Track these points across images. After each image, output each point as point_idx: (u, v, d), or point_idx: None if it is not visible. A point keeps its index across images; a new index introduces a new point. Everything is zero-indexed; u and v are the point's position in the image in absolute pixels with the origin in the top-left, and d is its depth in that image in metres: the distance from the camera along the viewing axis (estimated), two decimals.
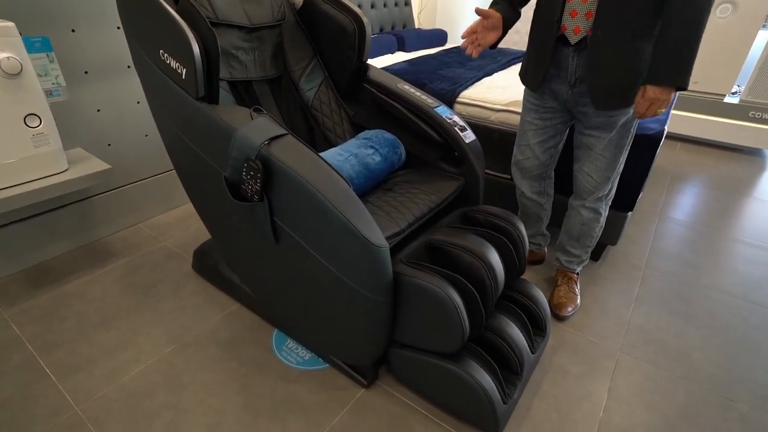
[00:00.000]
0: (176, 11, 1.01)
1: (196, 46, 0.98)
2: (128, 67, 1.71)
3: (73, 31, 1.53)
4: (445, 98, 1.87)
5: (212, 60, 1.02)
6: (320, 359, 1.30)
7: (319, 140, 1.49)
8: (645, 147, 1.47)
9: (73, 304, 1.48)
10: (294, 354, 1.32)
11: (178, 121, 1.13)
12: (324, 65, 1.51)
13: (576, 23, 1.15)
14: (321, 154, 1.28)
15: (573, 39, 1.17)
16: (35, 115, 1.33)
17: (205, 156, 1.08)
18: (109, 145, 1.75)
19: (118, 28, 1.64)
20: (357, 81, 1.49)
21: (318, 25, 1.45)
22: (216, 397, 1.17)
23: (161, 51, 1.06)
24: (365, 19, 1.41)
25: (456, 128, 1.33)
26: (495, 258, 1.10)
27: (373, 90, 1.42)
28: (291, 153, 0.95)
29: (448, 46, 3.06)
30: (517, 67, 2.37)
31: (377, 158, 1.33)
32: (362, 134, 1.41)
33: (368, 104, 1.54)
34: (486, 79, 2.07)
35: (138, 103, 1.79)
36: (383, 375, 1.26)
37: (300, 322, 1.24)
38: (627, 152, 1.29)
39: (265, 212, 0.98)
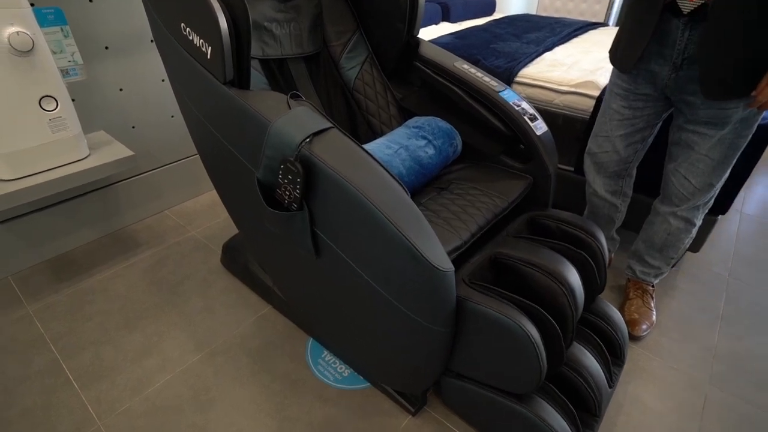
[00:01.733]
0: None
1: (223, 19, 0.80)
2: (152, 41, 1.56)
3: (90, 0, 1.37)
4: (501, 77, 1.63)
5: (242, 36, 0.84)
6: (361, 376, 1.16)
7: (361, 127, 1.31)
8: (755, 140, 1.22)
9: (97, 300, 1.39)
10: (331, 369, 1.19)
11: (202, 107, 0.97)
12: (368, 40, 1.31)
13: None
14: (366, 145, 1.11)
15: (687, 7, 0.93)
16: (51, 97, 1.20)
17: (233, 150, 0.92)
18: (133, 127, 1.62)
19: None
20: (406, 58, 1.29)
21: None
22: (247, 419, 1.06)
23: (182, 25, 0.89)
24: None
25: (525, 117, 1.12)
26: (576, 280, 0.91)
27: (426, 69, 1.22)
28: (337, 152, 0.78)
29: (497, 15, 2.77)
30: (579, 41, 2.09)
31: (430, 151, 1.14)
32: (412, 122, 1.22)
33: (418, 86, 1.34)
34: (547, 55, 1.81)
35: (163, 81, 1.64)
36: (432, 398, 1.11)
37: (339, 339, 1.10)
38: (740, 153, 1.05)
39: (304, 223, 0.82)
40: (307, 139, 0.77)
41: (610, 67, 1.65)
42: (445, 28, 2.33)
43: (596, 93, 1.48)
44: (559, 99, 1.56)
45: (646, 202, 1.36)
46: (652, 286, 1.38)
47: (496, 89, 1.15)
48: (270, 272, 1.24)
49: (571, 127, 1.54)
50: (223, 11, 0.81)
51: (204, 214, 1.82)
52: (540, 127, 1.13)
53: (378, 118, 1.30)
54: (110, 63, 1.48)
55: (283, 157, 0.78)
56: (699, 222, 1.19)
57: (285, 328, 1.30)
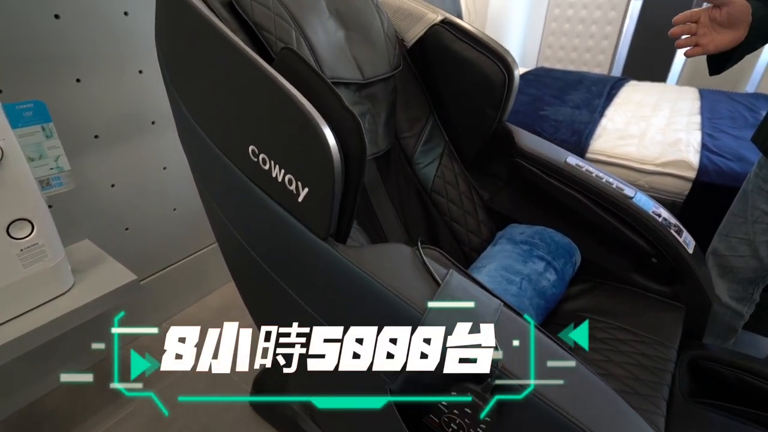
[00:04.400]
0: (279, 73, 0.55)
1: (335, 149, 0.52)
2: (152, 123, 1.24)
3: (78, 81, 1.05)
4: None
5: (352, 173, 0.55)
6: None
7: (443, 235, 1.04)
8: None
9: None
10: None
11: (278, 262, 0.66)
12: (443, 126, 1.06)
13: None
14: (481, 276, 0.83)
15: None
16: (25, 220, 0.86)
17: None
18: (126, 229, 1.27)
19: (141, 72, 1.17)
20: (495, 150, 1.04)
21: (445, 72, 0.99)
22: None
23: (252, 149, 0.59)
24: (515, 63, 0.96)
25: (671, 230, 0.89)
26: None
27: (533, 168, 0.97)
28: (525, 352, 0.50)
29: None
30: (621, 102, 1.93)
31: (552, 277, 0.88)
32: (516, 233, 0.96)
33: (504, 180, 1.08)
34: (605, 123, 1.63)
35: (165, 169, 1.31)
36: None
37: None
38: None
39: None
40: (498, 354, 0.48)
41: (689, 138, 1.48)
42: None
43: (692, 174, 1.29)
44: (644, 180, 1.35)
45: None
46: None
47: (628, 195, 0.91)
48: None
49: None
50: (334, 137, 0.52)
51: (213, 324, 1.46)
52: (689, 242, 0.90)
53: (464, 225, 1.03)
54: (101, 154, 1.15)
55: (451, 378, 0.48)
56: None
57: None
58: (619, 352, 0.79)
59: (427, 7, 1.02)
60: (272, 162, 0.58)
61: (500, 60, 0.94)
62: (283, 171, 0.57)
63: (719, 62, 0.81)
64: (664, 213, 0.91)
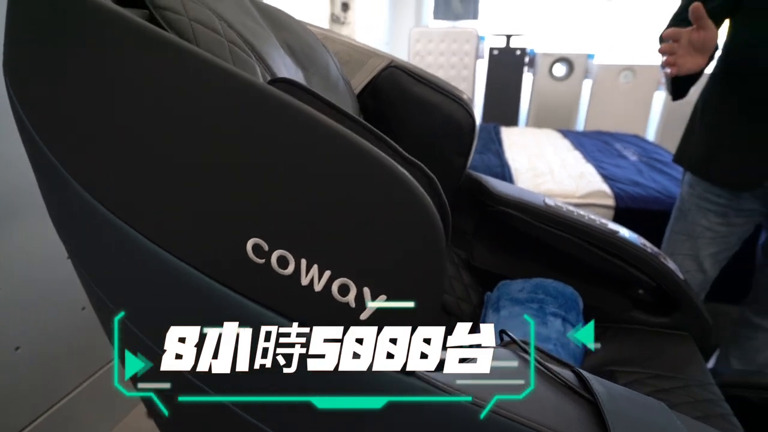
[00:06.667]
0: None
1: (440, 223, 0.32)
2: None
3: None
4: None
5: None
6: None
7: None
8: None
9: None
10: None
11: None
12: None
13: None
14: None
15: None
16: None
17: None
18: (17, 349, 0.78)
19: None
20: (460, 200, 0.93)
21: (405, 119, 0.86)
22: None
23: (256, 242, 0.34)
24: (473, 104, 0.88)
25: (662, 259, 0.87)
26: None
27: (520, 215, 0.87)
28: None
29: None
30: (508, 144, 2.07)
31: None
32: (515, 291, 0.84)
33: (470, 233, 0.97)
34: (512, 164, 1.69)
35: (68, 258, 0.87)
36: None
37: None
38: None
39: None
40: None
41: (588, 170, 1.61)
42: None
43: (611, 202, 1.38)
44: None
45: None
46: None
47: (615, 230, 0.88)
48: None
49: None
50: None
51: None
52: (675, 267, 0.89)
53: (452, 293, 0.87)
54: None
55: None
56: None
57: None
58: (675, 406, 0.70)
59: (367, 50, 0.89)
60: (301, 261, 0.34)
61: (463, 102, 0.85)
62: (328, 273, 0.33)
63: (682, 87, 0.85)
64: (648, 243, 0.90)
